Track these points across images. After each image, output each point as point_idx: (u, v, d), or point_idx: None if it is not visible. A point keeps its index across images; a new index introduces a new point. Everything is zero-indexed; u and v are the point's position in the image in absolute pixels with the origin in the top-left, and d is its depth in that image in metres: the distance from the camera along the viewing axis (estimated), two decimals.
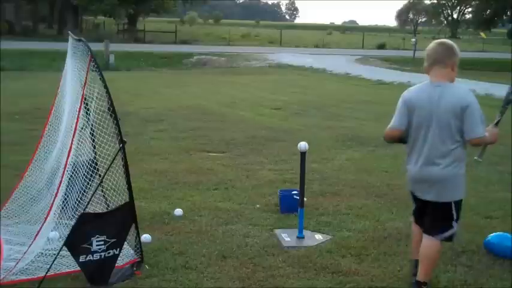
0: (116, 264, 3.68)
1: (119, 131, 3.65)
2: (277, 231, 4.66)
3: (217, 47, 36.13)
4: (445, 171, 3.32)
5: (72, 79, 4.17)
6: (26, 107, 10.77)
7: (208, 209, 5.18)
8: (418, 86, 3.55)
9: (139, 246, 3.92)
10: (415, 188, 3.52)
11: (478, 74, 23.25)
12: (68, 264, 3.72)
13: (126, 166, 3.69)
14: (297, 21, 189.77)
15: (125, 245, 3.85)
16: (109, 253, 3.57)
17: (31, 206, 4.53)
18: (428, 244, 3.45)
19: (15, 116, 9.99)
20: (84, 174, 3.92)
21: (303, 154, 4.50)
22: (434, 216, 3.44)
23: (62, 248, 3.50)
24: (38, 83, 14.92)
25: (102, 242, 3.52)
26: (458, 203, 3.42)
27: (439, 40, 3.57)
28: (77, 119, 3.88)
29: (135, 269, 3.81)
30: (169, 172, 6.51)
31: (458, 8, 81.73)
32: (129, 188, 3.72)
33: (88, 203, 3.71)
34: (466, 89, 3.39)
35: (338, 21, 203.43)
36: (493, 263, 4.12)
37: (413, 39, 33.83)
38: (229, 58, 28.06)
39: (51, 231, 3.97)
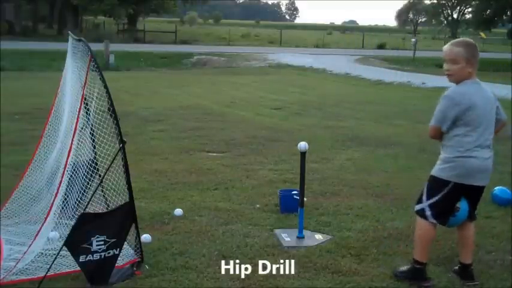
0: (116, 264, 3.68)
1: (119, 131, 3.65)
2: (277, 231, 4.66)
3: (217, 47, 36.14)
4: None
5: (72, 79, 4.17)
6: (26, 107, 10.77)
7: (208, 209, 5.18)
8: None
9: (139, 246, 3.92)
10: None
11: (478, 74, 23.13)
12: (68, 264, 3.72)
13: (126, 166, 3.69)
14: (297, 21, 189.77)
15: (125, 245, 3.85)
16: (109, 253, 3.57)
17: (31, 206, 4.52)
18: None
19: (15, 116, 10.00)
20: (84, 174, 3.92)
21: (303, 154, 4.50)
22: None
23: (62, 248, 3.50)
24: (38, 83, 14.93)
25: (102, 242, 3.52)
26: None
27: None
28: (77, 119, 3.88)
29: (135, 269, 3.81)
30: (169, 172, 6.51)
31: (458, 8, 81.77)
32: (129, 188, 3.72)
33: (88, 203, 3.70)
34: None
35: (338, 21, 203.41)
36: (493, 263, 4.13)
37: (413, 39, 33.90)
38: (229, 58, 28.05)
39: (51, 231, 3.97)
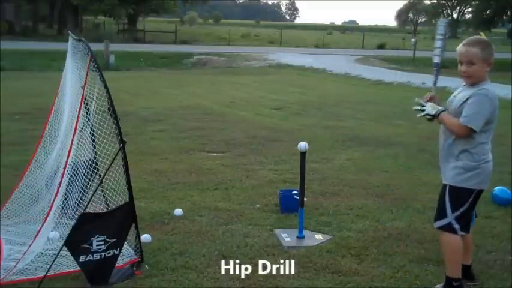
0: (116, 264, 3.68)
1: (119, 131, 3.65)
2: (277, 231, 4.66)
3: (217, 47, 36.15)
4: None
5: (72, 79, 4.17)
6: (26, 107, 10.77)
7: (208, 209, 5.18)
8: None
9: (139, 246, 3.92)
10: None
11: None
12: (68, 264, 3.72)
13: (126, 166, 3.69)
14: (297, 21, 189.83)
15: (125, 245, 3.85)
16: (109, 253, 3.57)
17: (31, 206, 4.52)
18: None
19: (15, 116, 10.00)
20: (84, 174, 3.92)
21: (303, 154, 4.50)
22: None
23: (62, 248, 3.50)
24: (38, 83, 14.93)
25: (102, 242, 3.52)
26: None
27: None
28: (77, 119, 3.88)
29: (135, 269, 3.81)
30: (169, 172, 6.51)
31: (458, 8, 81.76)
32: (129, 188, 3.72)
33: (88, 203, 3.71)
34: None
35: (338, 21, 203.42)
36: (493, 263, 4.13)
37: (413, 39, 33.89)
38: (229, 58, 28.06)
39: (51, 231, 3.97)
